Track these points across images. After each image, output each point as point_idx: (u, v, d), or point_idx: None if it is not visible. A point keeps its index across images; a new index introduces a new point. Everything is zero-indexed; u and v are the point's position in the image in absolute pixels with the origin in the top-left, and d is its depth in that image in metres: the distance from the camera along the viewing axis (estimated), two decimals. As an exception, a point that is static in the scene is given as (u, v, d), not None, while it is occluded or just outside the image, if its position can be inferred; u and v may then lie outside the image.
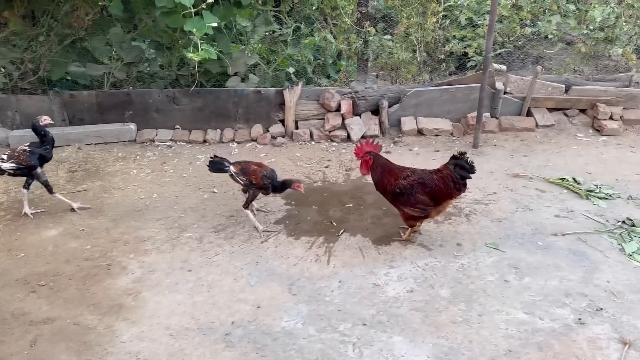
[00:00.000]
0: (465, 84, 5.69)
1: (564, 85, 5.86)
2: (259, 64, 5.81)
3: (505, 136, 5.72)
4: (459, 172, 3.62)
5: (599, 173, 4.94)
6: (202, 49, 4.84)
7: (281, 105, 5.68)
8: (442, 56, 6.19)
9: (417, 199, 3.65)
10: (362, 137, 5.69)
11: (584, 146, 5.50)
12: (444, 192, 3.64)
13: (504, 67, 6.87)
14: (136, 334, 3.05)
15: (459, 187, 3.64)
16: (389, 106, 5.80)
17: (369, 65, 6.13)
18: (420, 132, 5.76)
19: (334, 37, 5.96)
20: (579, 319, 3.17)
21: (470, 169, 3.63)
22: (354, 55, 5.92)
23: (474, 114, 5.64)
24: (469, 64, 6.52)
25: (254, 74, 5.91)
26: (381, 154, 3.92)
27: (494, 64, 6.74)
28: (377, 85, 6.10)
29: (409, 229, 3.91)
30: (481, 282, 3.51)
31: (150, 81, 6.04)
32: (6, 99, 5.60)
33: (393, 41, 6.10)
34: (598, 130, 5.75)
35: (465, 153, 3.71)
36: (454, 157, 3.70)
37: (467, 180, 3.71)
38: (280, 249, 3.85)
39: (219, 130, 5.70)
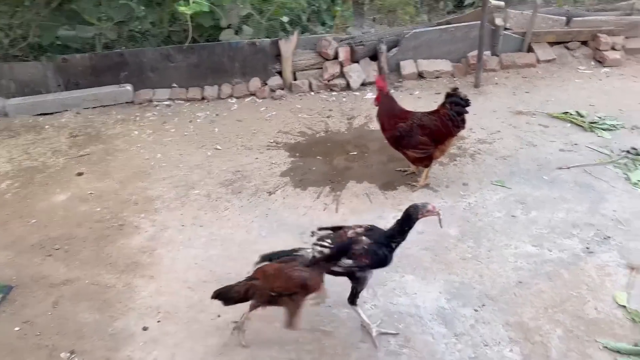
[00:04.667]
0: (464, 22, 5.55)
1: (564, 18, 5.73)
2: (252, 15, 5.66)
3: (507, 73, 5.64)
4: (454, 109, 3.65)
5: (602, 105, 4.91)
6: (193, 2, 4.71)
7: (277, 56, 5.57)
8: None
9: (417, 140, 3.69)
10: (362, 84, 5.62)
11: (587, 79, 5.43)
12: (443, 131, 3.68)
13: (502, 3, 6.67)
14: (155, 289, 3.13)
15: (457, 123, 3.67)
16: (388, 50, 5.69)
17: (365, 8, 5.97)
18: (420, 75, 5.67)
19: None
20: (587, 248, 3.24)
21: (465, 104, 3.65)
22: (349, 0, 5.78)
23: (475, 53, 5.54)
24: (466, 2, 6.34)
25: (247, 25, 5.77)
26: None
27: (492, 0, 6.55)
28: (375, 29, 5.97)
29: (425, 173, 3.91)
30: (489, 219, 3.56)
31: (142, 40, 5.90)
32: (-2, 67, 5.50)
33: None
34: (600, 62, 5.66)
35: (457, 88, 3.74)
36: (447, 94, 3.73)
37: (469, 119, 3.72)
38: (288, 200, 3.88)
39: (216, 86, 5.62)
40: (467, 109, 3.67)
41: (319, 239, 2.75)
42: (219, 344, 2.74)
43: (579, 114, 4.71)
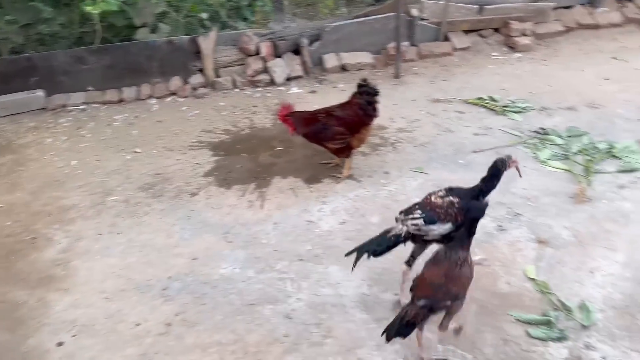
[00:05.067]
0: (382, 14, 5.65)
1: (477, 6, 5.95)
2: (168, 12, 5.51)
3: (425, 63, 5.80)
4: (365, 98, 3.75)
5: (514, 88, 5.14)
6: (100, 1, 4.52)
7: (198, 54, 5.45)
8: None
9: (333, 131, 3.78)
10: (287, 79, 5.61)
11: (500, 64, 5.67)
12: (356, 119, 3.79)
13: None
14: (70, 302, 2.99)
15: (370, 112, 3.79)
16: (310, 44, 5.70)
17: (285, 3, 5.95)
18: (343, 68, 5.72)
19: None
20: (499, 225, 3.40)
21: (375, 92, 3.77)
22: (267, -6, 5.74)
23: (394, 44, 5.66)
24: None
25: (164, 23, 5.61)
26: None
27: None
28: (296, 24, 5.96)
29: (347, 163, 3.98)
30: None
31: (52, 42, 5.60)
32: None
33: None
34: (512, 48, 5.92)
35: (367, 79, 3.87)
36: (359, 84, 3.85)
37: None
38: (212, 200, 3.81)
39: (135, 87, 5.42)
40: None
41: (407, 214, 2.75)
42: (138, 354, 2.65)
43: (492, 99, 4.92)
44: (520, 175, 2.99)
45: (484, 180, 2.81)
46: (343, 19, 5.84)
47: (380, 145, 4.38)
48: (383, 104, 4.96)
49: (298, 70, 5.68)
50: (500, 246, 3.23)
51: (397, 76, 5.55)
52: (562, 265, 3.06)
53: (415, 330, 2.41)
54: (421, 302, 2.36)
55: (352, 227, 3.48)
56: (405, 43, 5.85)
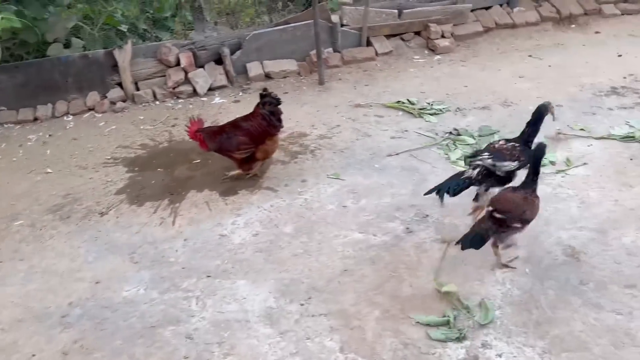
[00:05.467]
0: (302, 21, 5.66)
1: (396, 11, 6.05)
2: (82, 26, 5.34)
3: (349, 69, 5.85)
4: (267, 108, 3.76)
5: (433, 91, 5.25)
6: (1, 18, 4.35)
7: (115, 67, 5.31)
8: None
9: (237, 141, 3.79)
10: (210, 89, 5.54)
11: (420, 67, 5.78)
12: (260, 129, 3.80)
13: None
14: (-40, 338, 2.84)
15: (273, 122, 3.79)
16: (232, 53, 5.66)
17: (205, 13, 5.88)
18: (268, 76, 5.70)
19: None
20: (407, 228, 3.45)
21: (276, 102, 3.80)
22: (185, 4, 5.65)
23: (315, 51, 5.69)
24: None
25: (79, 37, 5.44)
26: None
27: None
28: (217, 33, 5.90)
29: (237, 172, 4.02)
30: (322, 212, 3.66)
31: (-42, 61, 5.34)
32: None
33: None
34: (433, 50, 6.06)
35: (267, 89, 3.90)
36: (261, 95, 3.86)
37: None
38: (122, 219, 3.71)
39: (50, 105, 5.23)
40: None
41: (475, 158, 3.22)
42: (30, 387, 2.55)
43: (410, 102, 5.00)
44: (554, 119, 3.47)
45: (528, 124, 3.30)
46: (264, 27, 5.82)
47: (300, 153, 4.38)
48: (306, 111, 5.04)
49: (222, 79, 5.62)
50: (407, 248, 3.28)
51: (321, 82, 5.57)
52: (465, 264, 3.13)
53: (491, 245, 2.93)
54: (499, 216, 2.81)
55: (264, 238, 3.46)
56: (329, 49, 5.90)
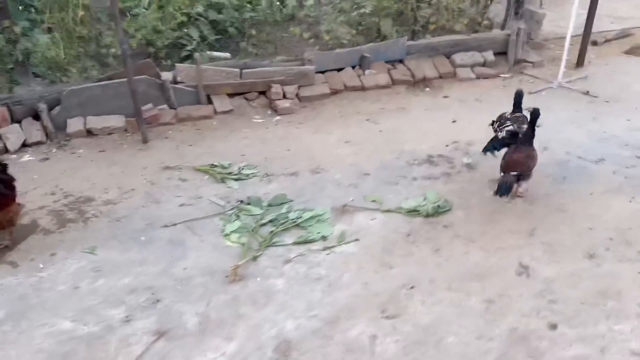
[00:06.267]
0: (125, 77, 5.41)
1: (238, 70, 5.89)
2: None
3: (183, 126, 5.59)
4: None
5: (254, 154, 5.01)
6: None
7: None
8: (108, 50, 5.89)
9: None
10: (24, 144, 5.18)
11: (255, 128, 5.56)
12: None
13: (227, 54, 6.70)
14: None
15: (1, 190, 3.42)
16: (52, 108, 5.34)
17: (28, 66, 5.58)
18: (90, 132, 5.39)
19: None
20: (127, 316, 3.07)
21: (3, 169, 3.50)
22: (8, 57, 5.36)
23: (146, 107, 5.44)
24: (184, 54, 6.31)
25: None
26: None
27: (215, 53, 6.58)
28: (39, 87, 5.59)
29: None
30: (48, 295, 3.26)
31: None
32: None
33: (52, 39, 5.63)
34: (275, 111, 5.88)
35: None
36: None
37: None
38: None
39: None
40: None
41: (502, 125, 4.26)
42: None
43: (222, 166, 4.73)
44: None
45: (514, 106, 4.40)
46: (88, 82, 5.55)
47: (72, 221, 4.00)
48: (110, 172, 4.71)
49: (38, 135, 5.27)
50: (112, 341, 2.89)
51: (144, 141, 5.28)
52: (169, 361, 2.76)
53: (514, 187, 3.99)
54: (515, 173, 3.90)
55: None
56: (164, 106, 5.66)
